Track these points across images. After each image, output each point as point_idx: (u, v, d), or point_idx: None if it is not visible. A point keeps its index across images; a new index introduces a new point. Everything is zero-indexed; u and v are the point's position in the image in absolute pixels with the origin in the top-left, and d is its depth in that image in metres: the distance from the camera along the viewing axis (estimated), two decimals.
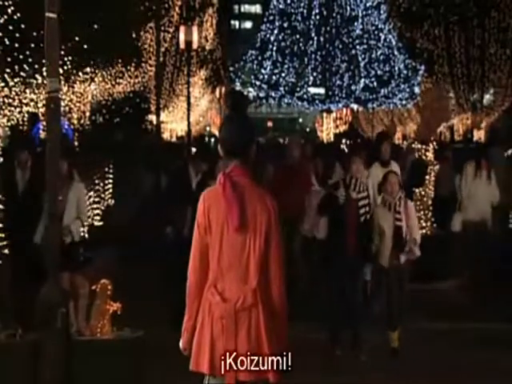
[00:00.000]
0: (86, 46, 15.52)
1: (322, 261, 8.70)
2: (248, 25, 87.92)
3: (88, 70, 18.23)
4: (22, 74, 14.45)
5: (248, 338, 4.18)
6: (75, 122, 23.12)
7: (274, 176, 11.10)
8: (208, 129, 57.07)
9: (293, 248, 10.77)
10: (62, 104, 18.92)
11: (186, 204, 9.76)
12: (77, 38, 14.94)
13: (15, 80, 14.73)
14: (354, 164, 8.34)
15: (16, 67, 14.22)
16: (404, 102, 41.79)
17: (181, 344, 4.44)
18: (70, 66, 15.85)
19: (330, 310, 8.63)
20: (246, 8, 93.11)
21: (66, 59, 15.45)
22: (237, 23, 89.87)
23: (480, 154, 12.55)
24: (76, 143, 25.76)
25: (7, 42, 13.50)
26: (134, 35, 20.62)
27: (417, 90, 40.97)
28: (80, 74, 17.96)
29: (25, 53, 13.50)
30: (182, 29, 22.78)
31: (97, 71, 19.01)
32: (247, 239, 4.22)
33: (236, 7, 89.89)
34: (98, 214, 17.13)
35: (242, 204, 4.21)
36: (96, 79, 19.97)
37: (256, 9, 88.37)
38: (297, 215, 10.68)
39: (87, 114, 23.76)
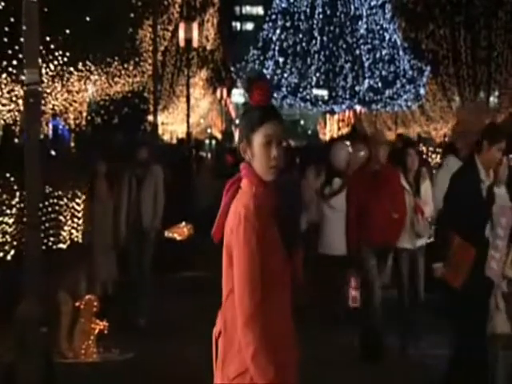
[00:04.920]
0: (79, 41, 14.78)
1: None
2: (249, 26, 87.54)
3: (82, 66, 17.46)
4: (10, 69, 13.73)
5: (218, 372, 3.60)
6: (71, 122, 22.46)
7: (350, 188, 8.78)
8: (209, 131, 56.52)
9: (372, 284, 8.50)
10: (56, 103, 18.24)
11: None
12: (68, 31, 14.20)
13: (3, 76, 14.01)
14: None
15: (4, 62, 13.51)
16: (409, 104, 41.27)
17: None
18: (61, 62, 15.10)
19: None
20: (248, 9, 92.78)
21: (56, 54, 14.72)
22: (238, 25, 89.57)
23: None
24: (72, 144, 25.16)
25: None
26: (131, 32, 19.90)
27: (422, 91, 40.43)
28: (74, 71, 17.20)
29: (13, 47, 12.78)
30: (182, 26, 22.06)
31: (92, 69, 18.26)
32: (224, 256, 3.62)
33: (237, 9, 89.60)
34: None
35: (224, 215, 3.60)
36: (92, 77, 19.24)
37: (258, 10, 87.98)
38: (388, 239, 8.39)
39: (84, 114, 23.08)
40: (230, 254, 3.54)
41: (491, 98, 39.76)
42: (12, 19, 12.93)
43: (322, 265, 10.26)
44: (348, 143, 10.99)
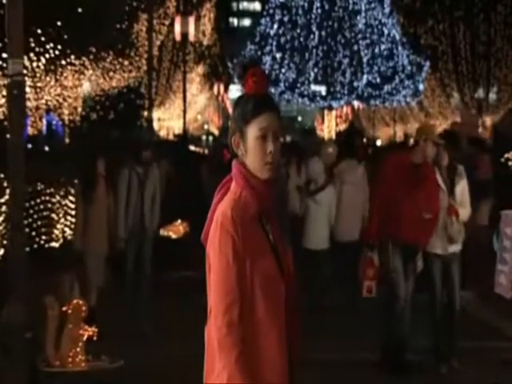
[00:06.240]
0: (71, 33, 14.38)
1: None
2: (246, 22, 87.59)
3: (75, 60, 17.09)
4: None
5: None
6: (65, 117, 22.14)
7: (382, 176, 7.99)
8: (206, 127, 56.31)
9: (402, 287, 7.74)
10: (49, 98, 17.92)
11: None
12: (59, 23, 13.79)
13: None
14: None
15: None
16: (408, 99, 41.02)
17: None
18: (53, 55, 14.71)
19: None
20: (245, 5, 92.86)
21: (48, 47, 14.32)
22: (235, 20, 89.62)
23: None
24: (67, 140, 24.82)
25: None
26: (126, 25, 19.56)
27: (421, 86, 40.16)
28: (67, 65, 16.84)
29: (3, 40, 12.41)
30: (178, 20, 21.72)
31: (86, 63, 17.90)
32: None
33: (234, 4, 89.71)
34: None
35: (212, 218, 3.25)
36: (86, 72, 18.88)
37: (255, 6, 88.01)
38: (417, 239, 7.66)
39: (79, 109, 22.77)
40: (210, 264, 3.19)
41: (490, 94, 39.61)
42: (1, 11, 12.56)
43: (307, 259, 10.09)
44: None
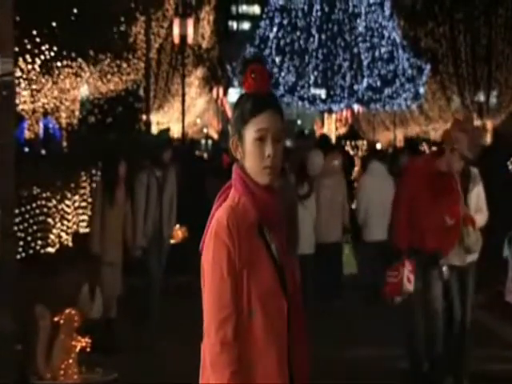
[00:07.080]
0: (66, 34, 14.17)
1: None
2: (246, 25, 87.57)
3: (72, 62, 16.91)
4: None
5: None
6: (63, 121, 21.97)
7: (405, 182, 7.59)
8: (205, 130, 56.16)
9: (431, 296, 7.38)
10: (45, 101, 17.75)
11: None
12: (54, 24, 13.56)
13: None
14: None
15: None
16: (408, 103, 41.01)
17: None
18: (49, 57, 14.50)
19: None
20: (244, 8, 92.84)
21: (43, 48, 14.11)
22: (234, 24, 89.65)
23: None
24: (64, 144, 24.66)
25: None
26: (124, 27, 19.39)
27: (421, 90, 40.14)
28: (63, 67, 16.66)
29: None
30: (176, 21, 21.51)
31: (83, 65, 17.73)
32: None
33: (234, 8, 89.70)
34: (83, 220, 15.80)
35: (209, 227, 3.02)
36: (83, 74, 18.70)
37: (254, 9, 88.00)
38: (440, 246, 7.26)
39: (76, 112, 22.60)
40: (204, 276, 2.96)
41: (490, 98, 39.57)
42: None
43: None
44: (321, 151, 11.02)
